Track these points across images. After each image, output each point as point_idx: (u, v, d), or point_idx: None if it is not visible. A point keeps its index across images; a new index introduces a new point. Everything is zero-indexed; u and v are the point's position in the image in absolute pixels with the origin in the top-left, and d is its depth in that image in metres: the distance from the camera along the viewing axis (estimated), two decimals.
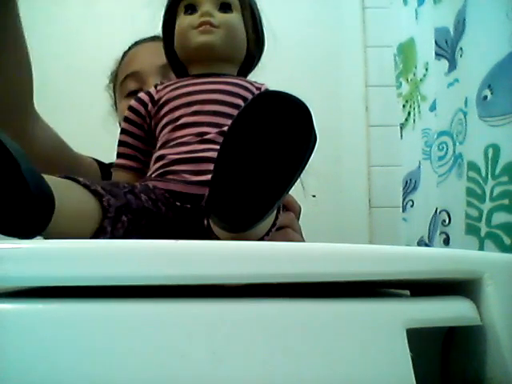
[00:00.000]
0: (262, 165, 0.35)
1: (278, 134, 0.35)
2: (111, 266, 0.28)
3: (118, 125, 0.94)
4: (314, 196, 1.25)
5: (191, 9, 0.57)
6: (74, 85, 1.29)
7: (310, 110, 0.35)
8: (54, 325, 0.27)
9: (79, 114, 1.26)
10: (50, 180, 0.34)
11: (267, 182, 0.35)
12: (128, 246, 0.29)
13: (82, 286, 0.28)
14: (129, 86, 0.87)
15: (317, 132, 0.36)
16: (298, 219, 0.62)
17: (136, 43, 0.92)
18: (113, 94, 0.95)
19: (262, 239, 0.42)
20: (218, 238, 0.41)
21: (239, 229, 0.36)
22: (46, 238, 0.34)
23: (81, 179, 0.39)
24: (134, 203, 0.43)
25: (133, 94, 0.84)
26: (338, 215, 1.31)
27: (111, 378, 0.27)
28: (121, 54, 0.94)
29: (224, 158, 0.36)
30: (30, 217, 0.32)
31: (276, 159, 0.35)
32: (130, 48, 0.92)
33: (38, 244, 0.29)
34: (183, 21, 0.57)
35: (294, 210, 0.60)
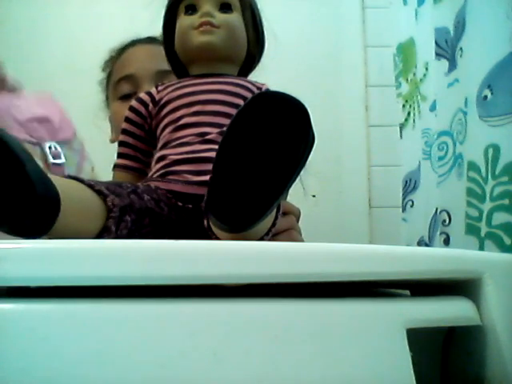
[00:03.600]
0: (259, 165, 0.35)
1: (276, 133, 0.35)
2: (111, 266, 0.28)
3: (108, 120, 0.94)
4: (313, 196, 1.25)
5: (191, 9, 0.57)
6: (73, 84, 1.29)
7: (308, 110, 0.35)
8: (53, 325, 0.27)
9: (80, 112, 1.26)
10: (56, 180, 0.34)
11: (265, 182, 0.35)
12: (128, 246, 0.29)
13: (82, 286, 0.28)
14: (123, 89, 0.86)
15: (315, 132, 0.36)
16: (298, 222, 0.63)
17: (133, 43, 0.90)
18: (105, 89, 0.95)
19: (261, 239, 0.42)
20: (217, 238, 0.41)
21: (238, 229, 0.36)
22: (50, 238, 0.34)
23: (85, 179, 0.39)
24: (137, 203, 0.43)
25: (126, 97, 0.84)
26: (338, 215, 1.31)
27: (111, 378, 0.27)
28: (115, 48, 0.93)
29: (222, 158, 0.36)
30: (37, 217, 0.32)
31: (274, 159, 0.35)
32: (126, 47, 0.91)
33: (38, 244, 0.29)
34: (184, 21, 0.57)
35: (294, 213, 0.61)
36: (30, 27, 1.30)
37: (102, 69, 0.95)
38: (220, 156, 0.36)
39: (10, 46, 1.30)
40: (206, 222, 0.44)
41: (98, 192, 0.39)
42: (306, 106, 0.36)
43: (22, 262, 0.27)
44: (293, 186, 0.39)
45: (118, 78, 0.87)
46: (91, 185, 0.39)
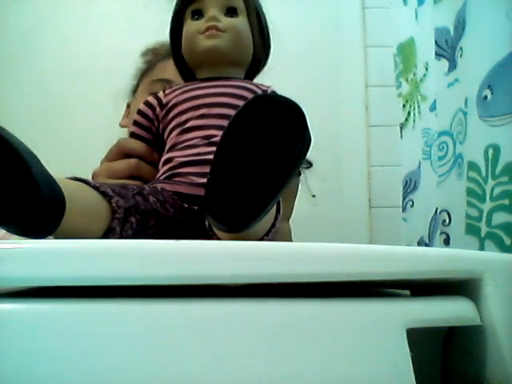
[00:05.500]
0: (256, 165, 0.35)
1: (273, 134, 0.36)
2: (111, 266, 0.28)
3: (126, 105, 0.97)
4: (313, 196, 1.25)
5: (198, 14, 0.57)
6: (74, 84, 1.29)
7: (304, 111, 0.36)
8: (54, 325, 0.27)
9: (80, 112, 1.26)
10: (61, 182, 0.34)
11: (261, 183, 0.35)
12: (128, 246, 0.29)
13: (81, 286, 0.28)
14: (157, 89, 0.87)
15: (311, 133, 0.36)
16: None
17: None
18: (139, 77, 0.97)
19: (261, 239, 0.42)
20: (218, 239, 0.41)
21: (235, 229, 0.36)
22: (56, 238, 0.35)
23: (90, 181, 0.40)
24: (142, 204, 0.43)
25: None
26: (338, 215, 1.31)
27: (111, 378, 0.27)
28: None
29: (219, 159, 0.36)
30: (42, 218, 0.32)
31: (270, 160, 0.35)
32: None
33: (38, 244, 0.29)
34: (190, 26, 0.57)
35: None
36: (30, 28, 1.30)
37: (143, 57, 0.97)
38: (217, 157, 0.37)
39: (9, 46, 1.30)
40: (206, 223, 0.44)
41: (103, 193, 0.40)
42: (305, 106, 0.36)
43: (22, 262, 0.27)
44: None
45: (157, 77, 0.88)
46: (96, 186, 0.39)
